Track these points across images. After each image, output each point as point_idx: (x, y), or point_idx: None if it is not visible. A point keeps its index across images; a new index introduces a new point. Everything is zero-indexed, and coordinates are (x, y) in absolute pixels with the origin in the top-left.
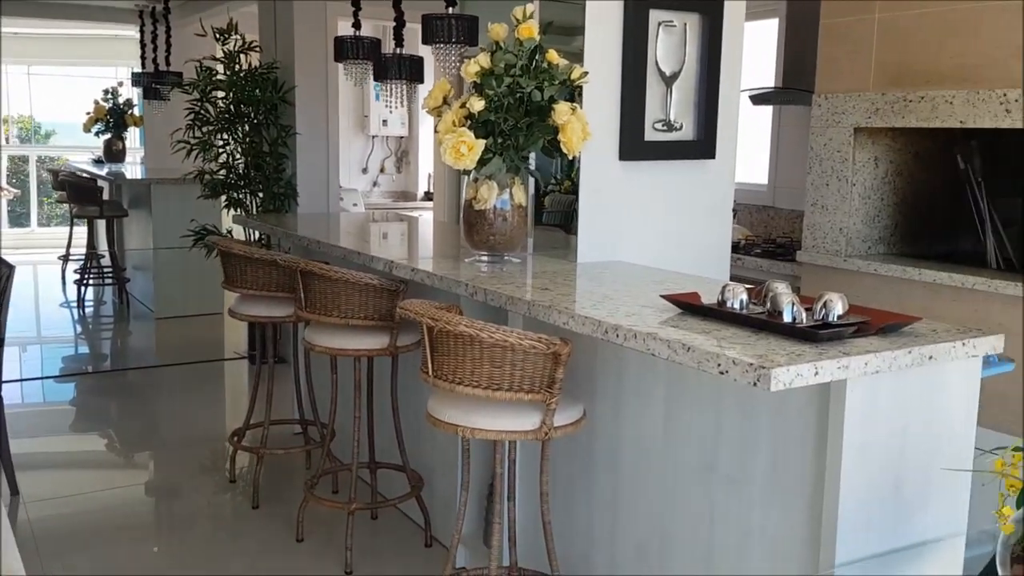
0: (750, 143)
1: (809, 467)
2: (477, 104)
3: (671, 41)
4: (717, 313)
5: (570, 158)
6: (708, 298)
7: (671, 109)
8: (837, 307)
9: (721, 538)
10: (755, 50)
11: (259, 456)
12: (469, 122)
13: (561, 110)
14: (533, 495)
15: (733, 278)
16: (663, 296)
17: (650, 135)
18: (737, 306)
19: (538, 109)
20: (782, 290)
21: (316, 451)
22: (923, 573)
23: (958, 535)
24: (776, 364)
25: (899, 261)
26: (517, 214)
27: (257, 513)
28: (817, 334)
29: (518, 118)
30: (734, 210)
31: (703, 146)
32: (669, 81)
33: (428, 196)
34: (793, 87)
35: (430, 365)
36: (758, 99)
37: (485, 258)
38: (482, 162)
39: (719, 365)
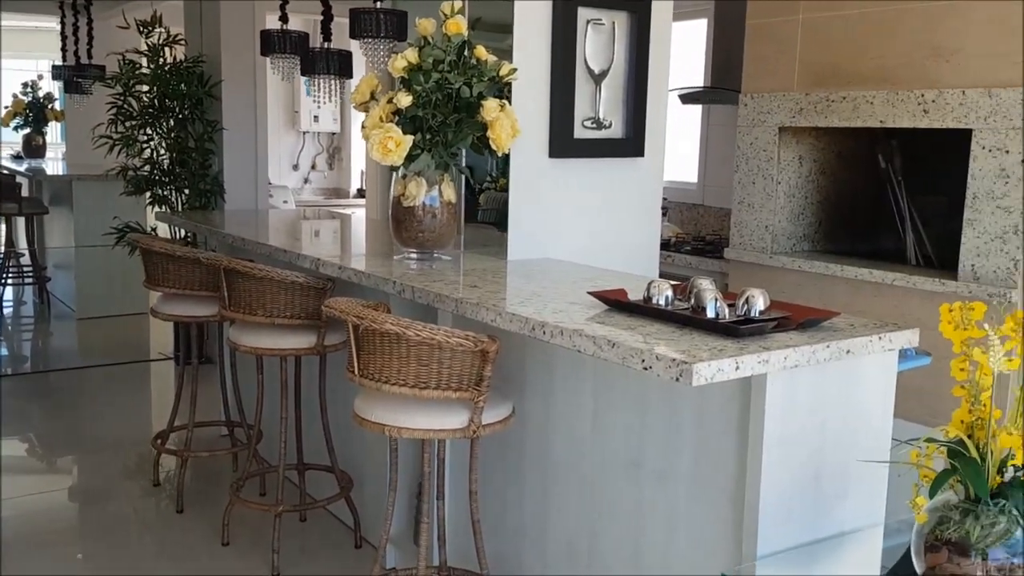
0: (680, 142)
1: (732, 461)
2: (404, 100)
3: (600, 39)
4: (643, 309)
5: (499, 155)
6: (635, 295)
7: (600, 107)
8: (759, 303)
9: (649, 533)
10: (684, 50)
11: (183, 459)
12: (397, 118)
13: (490, 107)
14: (463, 494)
15: (663, 275)
16: (590, 293)
17: (580, 133)
18: (662, 302)
19: (467, 105)
20: (706, 287)
21: (243, 453)
22: (842, 563)
23: (876, 525)
24: (698, 359)
25: (823, 258)
26: (447, 211)
27: (182, 517)
28: (739, 329)
29: (447, 114)
30: (665, 208)
31: (632, 144)
32: (598, 79)
33: (361, 193)
34: (721, 87)
35: (356, 364)
36: (687, 98)
37: (414, 255)
38: (410, 158)
39: (643, 361)
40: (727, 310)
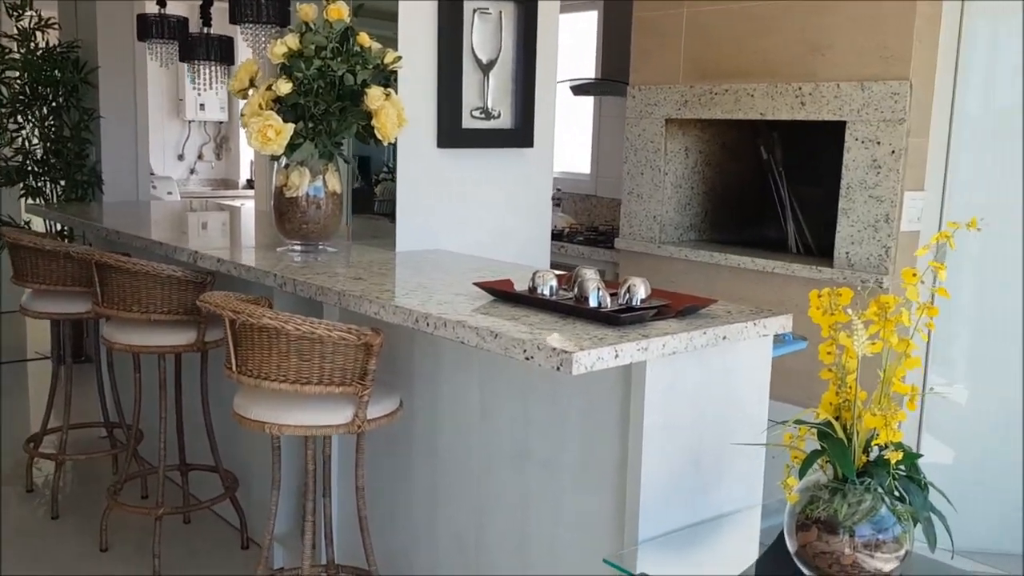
0: (573, 134)
1: (616, 449)
2: (284, 87)
3: (487, 28)
4: (527, 300)
5: (385, 144)
6: (521, 285)
7: (489, 97)
8: (640, 291)
9: (534, 524)
10: (576, 41)
11: (59, 463)
12: (278, 106)
13: (374, 95)
14: (351, 490)
15: (555, 265)
16: (476, 284)
17: (468, 122)
18: (547, 292)
19: (351, 94)
20: (589, 276)
21: (124, 455)
22: (721, 544)
23: (754, 506)
24: (578, 348)
25: (708, 247)
26: (331, 201)
27: (57, 523)
28: (619, 318)
29: (330, 102)
30: (558, 199)
31: (521, 134)
32: (486, 69)
33: (250, 184)
34: (611, 78)
35: (234, 360)
36: (578, 90)
37: (299, 248)
38: (292, 147)
39: (525, 351)
40: (609, 299)
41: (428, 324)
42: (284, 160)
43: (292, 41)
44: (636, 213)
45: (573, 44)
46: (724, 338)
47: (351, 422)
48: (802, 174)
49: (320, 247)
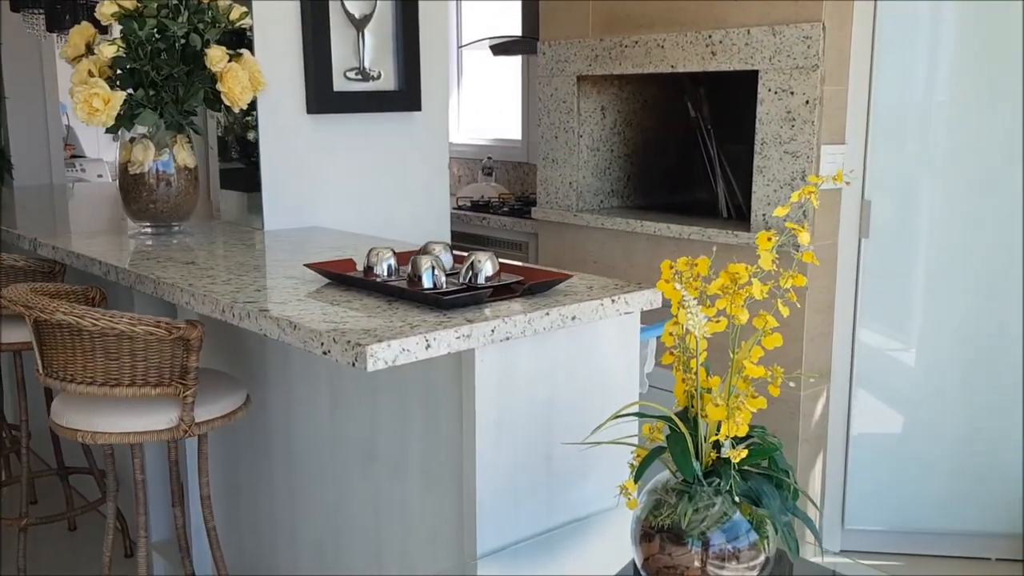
0: (501, 97)
1: (455, 449)
2: (107, 50)
3: None
4: (359, 283)
5: (235, 111)
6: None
7: (365, 56)
8: (485, 269)
9: (387, 529)
10: None
11: None
12: (115, 72)
13: (215, 56)
14: (219, 495)
15: (473, 239)
16: (307, 265)
17: (342, 85)
18: (384, 272)
19: (196, 55)
20: (437, 251)
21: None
22: (584, 552)
23: (621, 506)
24: (375, 340)
25: (627, 214)
26: (183, 177)
27: None
28: (440, 300)
29: (173, 66)
30: (490, 168)
31: (406, 97)
32: (360, 24)
33: None
34: (532, 36)
35: (39, 361)
36: (497, 49)
37: (149, 230)
38: (131, 118)
39: (322, 344)
40: (444, 279)
41: (233, 314)
42: (129, 133)
43: None
44: (552, 180)
45: (499, 2)
46: (574, 319)
47: (176, 427)
48: (731, 131)
49: (175, 228)
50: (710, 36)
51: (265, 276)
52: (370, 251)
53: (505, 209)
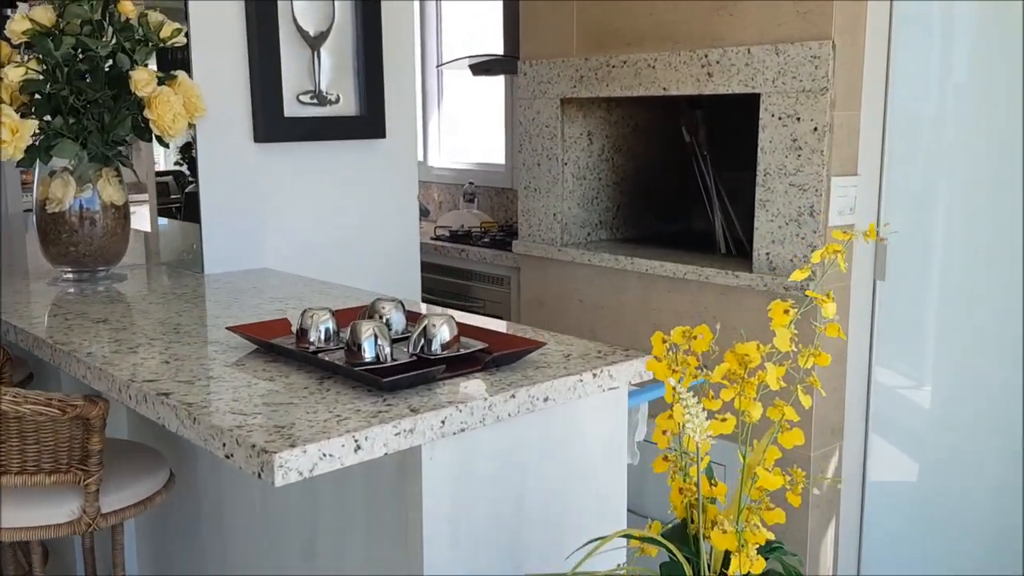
0: (486, 121)
1: (399, 555)
2: (14, 73)
3: None
4: (289, 352)
5: (168, 142)
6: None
7: (321, 77)
8: (441, 334)
9: None
10: (483, 15)
11: None
12: (37, 97)
13: (141, 79)
14: None
15: (449, 272)
16: (230, 329)
17: (295, 110)
18: (321, 338)
19: (124, 78)
20: (387, 311)
21: None
22: None
23: None
24: (287, 443)
25: (616, 249)
26: (110, 216)
27: None
28: (379, 381)
29: (97, 90)
30: (472, 194)
31: (368, 123)
32: (315, 42)
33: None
34: (513, 55)
35: None
36: (478, 69)
37: (71, 275)
38: (47, 149)
39: (223, 446)
40: (388, 349)
41: (130, 396)
42: (45, 168)
43: (43, 14)
44: (535, 211)
45: (481, 19)
46: (546, 400)
47: (77, 519)
48: (731, 157)
49: (100, 274)
50: (706, 55)
51: (183, 339)
52: (304, 312)
53: (486, 240)
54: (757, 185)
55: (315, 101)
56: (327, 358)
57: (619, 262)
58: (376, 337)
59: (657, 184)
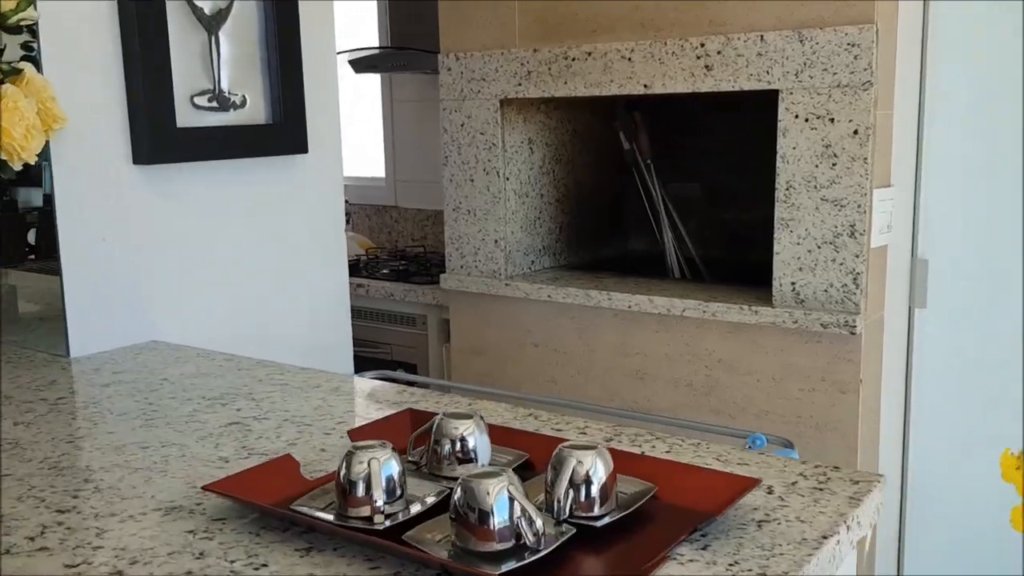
0: (359, 124)
1: None
2: None
3: None
4: (315, 523)
5: (12, 167)
6: (311, 456)
7: (221, 72)
8: (597, 474)
9: None
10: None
11: None
12: None
13: None
14: None
15: (361, 314)
16: (208, 488)
17: (189, 117)
18: (384, 494)
19: None
20: (466, 432)
21: None
22: None
23: None
24: None
25: (579, 282)
26: None
27: None
28: None
29: None
30: (347, 213)
31: (285, 133)
32: (212, 25)
33: None
34: (410, 47)
35: None
36: (361, 65)
37: None
38: None
39: None
40: (539, 522)
41: None
42: None
43: None
44: (467, 237)
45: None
46: None
47: None
48: (675, 166)
49: None
50: (702, 45)
51: (105, 503)
52: (352, 454)
53: (385, 271)
54: (777, 201)
55: (214, 105)
56: (428, 549)
57: (591, 298)
58: (512, 501)
59: (601, 200)
